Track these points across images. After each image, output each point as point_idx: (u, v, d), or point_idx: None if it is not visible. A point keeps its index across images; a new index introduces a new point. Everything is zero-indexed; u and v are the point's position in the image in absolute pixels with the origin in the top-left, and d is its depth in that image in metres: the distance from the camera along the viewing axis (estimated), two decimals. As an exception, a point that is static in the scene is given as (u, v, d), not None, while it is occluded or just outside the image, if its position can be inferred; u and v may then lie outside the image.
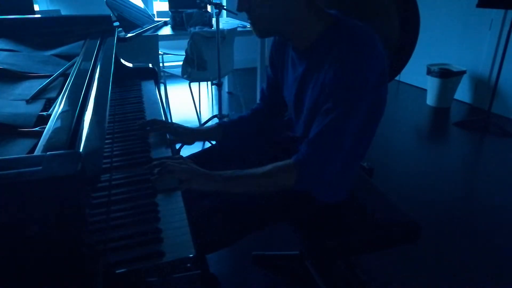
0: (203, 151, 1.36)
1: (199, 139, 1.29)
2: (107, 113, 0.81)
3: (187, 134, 1.23)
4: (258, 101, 1.35)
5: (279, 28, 0.99)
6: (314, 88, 1.00)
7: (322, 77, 0.96)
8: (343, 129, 0.93)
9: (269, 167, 0.97)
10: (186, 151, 2.65)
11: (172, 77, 3.31)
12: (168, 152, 1.04)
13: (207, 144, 2.85)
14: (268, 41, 2.71)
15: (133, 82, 1.57)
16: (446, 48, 3.85)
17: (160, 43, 2.83)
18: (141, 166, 0.93)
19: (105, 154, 0.97)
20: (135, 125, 1.15)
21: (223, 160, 1.28)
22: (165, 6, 3.98)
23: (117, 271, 0.62)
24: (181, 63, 2.85)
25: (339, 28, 0.95)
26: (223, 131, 1.26)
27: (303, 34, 0.99)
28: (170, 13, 3.17)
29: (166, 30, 3.06)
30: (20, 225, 0.45)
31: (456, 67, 3.63)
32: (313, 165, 0.96)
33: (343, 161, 0.99)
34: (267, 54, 2.53)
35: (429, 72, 3.62)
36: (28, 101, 0.85)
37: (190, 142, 1.25)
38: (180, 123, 1.25)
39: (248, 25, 3.33)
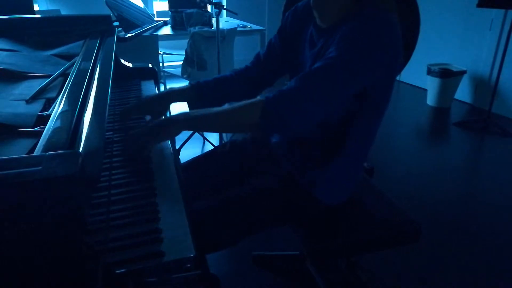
0: (204, 155, 1.32)
1: (172, 102, 1.16)
2: (107, 113, 0.81)
3: (157, 104, 1.13)
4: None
5: None
6: None
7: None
8: (330, 78, 0.88)
9: (238, 103, 0.93)
10: (186, 152, 2.66)
11: (172, 77, 3.30)
12: (168, 149, 1.04)
13: (207, 147, 2.85)
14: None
15: (133, 82, 1.57)
16: (446, 48, 3.85)
17: (160, 43, 2.83)
18: (141, 166, 0.93)
19: (105, 154, 0.96)
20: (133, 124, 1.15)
21: (224, 163, 1.27)
22: (165, 6, 3.98)
23: (117, 271, 0.61)
24: (181, 63, 2.85)
25: (363, 12, 0.93)
26: (198, 92, 1.17)
27: (332, 13, 0.98)
28: (170, 13, 3.17)
29: (166, 30, 3.07)
30: (20, 225, 0.45)
31: (456, 67, 3.63)
32: (282, 102, 0.89)
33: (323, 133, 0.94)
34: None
35: (429, 72, 3.61)
36: (27, 101, 0.85)
37: (162, 112, 1.15)
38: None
39: (248, 25, 3.33)
